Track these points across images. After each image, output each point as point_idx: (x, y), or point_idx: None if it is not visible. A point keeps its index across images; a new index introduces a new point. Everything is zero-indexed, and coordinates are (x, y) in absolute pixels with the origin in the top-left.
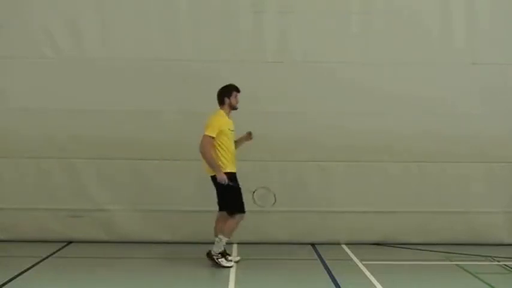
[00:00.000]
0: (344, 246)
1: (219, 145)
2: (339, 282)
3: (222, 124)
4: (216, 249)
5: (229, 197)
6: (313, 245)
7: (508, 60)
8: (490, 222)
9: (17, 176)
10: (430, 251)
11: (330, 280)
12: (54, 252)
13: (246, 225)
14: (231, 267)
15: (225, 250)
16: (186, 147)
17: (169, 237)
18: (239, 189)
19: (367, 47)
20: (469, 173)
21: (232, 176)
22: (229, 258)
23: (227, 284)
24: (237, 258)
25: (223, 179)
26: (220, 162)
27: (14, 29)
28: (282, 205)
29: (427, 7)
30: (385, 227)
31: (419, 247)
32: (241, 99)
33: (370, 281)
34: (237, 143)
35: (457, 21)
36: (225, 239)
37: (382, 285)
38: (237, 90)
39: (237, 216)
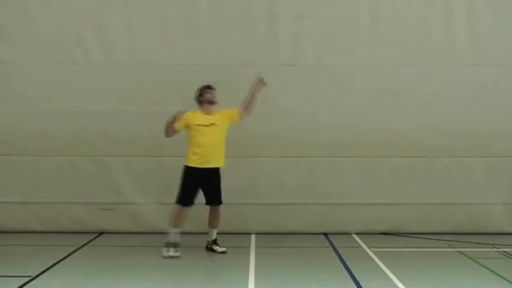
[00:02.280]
0: (354, 236)
1: (189, 139)
2: (349, 266)
3: (189, 119)
4: (167, 239)
5: (179, 187)
6: (325, 234)
7: (509, 61)
8: (491, 213)
9: (53, 172)
10: (434, 239)
11: (342, 265)
12: (87, 242)
13: (263, 218)
14: (167, 257)
15: (173, 241)
16: None
17: (190, 228)
18: (188, 184)
19: (375, 49)
20: (471, 167)
21: (189, 171)
22: (173, 250)
23: (248, 268)
24: (223, 249)
25: (176, 114)
26: (187, 155)
27: (48, 35)
28: (296, 198)
29: (430, 11)
30: (392, 217)
31: (424, 236)
32: (257, 99)
33: (378, 266)
34: (250, 98)
35: (460, 25)
36: (171, 229)
37: (389, 270)
38: (208, 87)
39: (177, 206)
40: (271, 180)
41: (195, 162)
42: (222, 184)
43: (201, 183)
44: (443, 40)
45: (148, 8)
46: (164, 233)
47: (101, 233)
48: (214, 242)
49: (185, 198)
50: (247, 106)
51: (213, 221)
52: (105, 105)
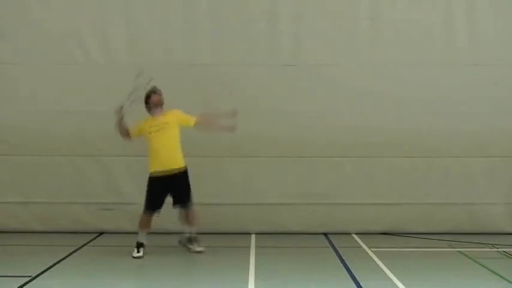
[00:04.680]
0: (354, 236)
1: (148, 148)
2: (349, 266)
3: (142, 129)
4: (137, 237)
5: (146, 193)
6: (325, 234)
7: (509, 61)
8: (491, 213)
9: (53, 172)
10: (434, 239)
11: (342, 265)
12: (87, 242)
13: (263, 218)
14: (136, 257)
15: (141, 242)
16: (204, 145)
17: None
18: (154, 191)
19: (375, 49)
20: (471, 167)
21: (152, 180)
22: (142, 250)
23: (248, 268)
24: (200, 249)
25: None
26: (149, 164)
27: (48, 35)
28: (296, 198)
29: (430, 11)
30: (392, 217)
31: (424, 236)
32: (257, 99)
33: (378, 266)
34: (215, 123)
35: (460, 25)
36: (139, 231)
37: (389, 270)
38: (153, 92)
39: (143, 212)
40: (271, 180)
41: (156, 169)
42: (222, 183)
43: (168, 189)
44: (443, 40)
45: (148, 8)
46: (164, 233)
47: (101, 233)
48: (190, 239)
49: (151, 206)
50: (207, 124)
51: (187, 220)
52: (105, 105)
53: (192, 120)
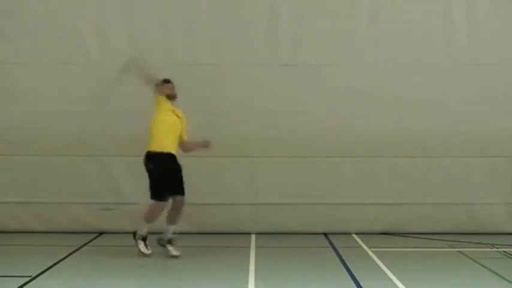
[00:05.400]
0: (354, 236)
1: (152, 125)
2: (349, 266)
3: (164, 102)
4: (139, 232)
5: (149, 181)
6: (325, 234)
7: (509, 61)
8: (491, 213)
9: (53, 172)
10: (434, 239)
11: (342, 265)
12: (87, 242)
13: (263, 218)
14: (146, 254)
15: (146, 236)
16: None
17: (189, 228)
18: (159, 174)
19: (375, 49)
20: (471, 167)
21: (151, 160)
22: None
23: (248, 268)
24: (176, 253)
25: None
26: (150, 143)
27: (48, 35)
28: (296, 198)
29: (430, 11)
30: (392, 217)
31: (424, 236)
32: (258, 99)
33: (378, 266)
34: (191, 145)
35: (460, 25)
36: (145, 225)
37: (389, 270)
38: (166, 81)
39: (154, 202)
40: (271, 180)
41: (155, 148)
42: (222, 183)
43: (165, 173)
44: (443, 40)
45: (148, 8)
46: (162, 233)
47: (101, 233)
48: (169, 241)
49: (156, 192)
50: (189, 149)
51: (174, 214)
52: (105, 105)
53: (185, 133)
